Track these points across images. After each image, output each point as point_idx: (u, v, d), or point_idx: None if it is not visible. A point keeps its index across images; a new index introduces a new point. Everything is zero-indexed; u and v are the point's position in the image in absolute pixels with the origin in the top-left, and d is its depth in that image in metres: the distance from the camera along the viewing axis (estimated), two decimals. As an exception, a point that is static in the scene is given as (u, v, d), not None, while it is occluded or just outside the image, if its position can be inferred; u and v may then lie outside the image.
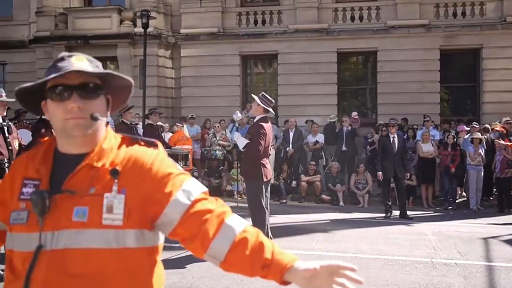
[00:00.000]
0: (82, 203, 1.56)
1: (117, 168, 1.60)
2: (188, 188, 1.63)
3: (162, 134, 12.15)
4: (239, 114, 8.94)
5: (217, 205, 1.66)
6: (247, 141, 7.92)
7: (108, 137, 1.68)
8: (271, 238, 7.75)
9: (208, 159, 15.25)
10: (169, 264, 5.30)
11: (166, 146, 11.62)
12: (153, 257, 1.67)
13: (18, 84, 1.66)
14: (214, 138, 15.20)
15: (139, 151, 1.67)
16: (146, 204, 1.59)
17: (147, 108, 14.31)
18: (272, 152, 11.90)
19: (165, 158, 1.69)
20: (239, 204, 11.29)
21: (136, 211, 1.58)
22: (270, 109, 8.00)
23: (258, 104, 7.88)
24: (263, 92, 8.35)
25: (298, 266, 1.55)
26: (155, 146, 1.71)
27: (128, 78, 1.69)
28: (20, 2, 20.70)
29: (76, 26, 18.79)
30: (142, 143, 1.71)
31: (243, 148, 7.92)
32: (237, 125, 9.21)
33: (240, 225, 1.62)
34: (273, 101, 8.16)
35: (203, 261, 6.30)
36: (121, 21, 18.75)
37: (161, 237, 1.72)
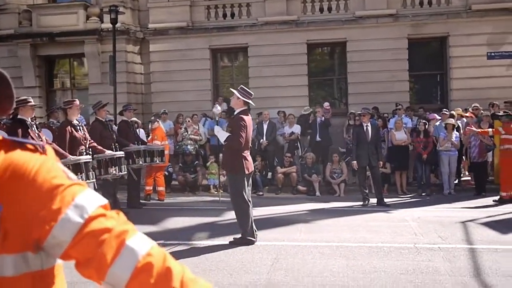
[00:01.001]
0: None
1: None
2: (81, 203, 1.34)
3: (137, 130, 11.98)
4: (218, 108, 8.83)
5: (117, 222, 1.36)
6: (228, 134, 7.90)
7: None
8: (255, 231, 7.77)
9: (181, 154, 15.17)
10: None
11: (142, 142, 11.51)
12: (42, 282, 1.40)
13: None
14: (186, 133, 15.11)
15: (21, 157, 1.36)
16: (29, 223, 1.31)
17: (118, 104, 14.14)
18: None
19: (54, 166, 1.39)
20: (221, 199, 11.23)
21: (15, 232, 1.30)
22: (250, 101, 7.99)
23: (238, 98, 7.86)
24: (241, 85, 8.33)
25: None
26: (42, 150, 1.41)
27: None
28: (-19, -1, 20.09)
29: (41, 23, 18.38)
30: (27, 147, 1.40)
31: (224, 141, 7.89)
32: (216, 118, 9.14)
33: (144, 247, 1.35)
34: (252, 93, 8.13)
35: (193, 256, 6.19)
36: (88, 17, 18.41)
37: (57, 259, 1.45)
